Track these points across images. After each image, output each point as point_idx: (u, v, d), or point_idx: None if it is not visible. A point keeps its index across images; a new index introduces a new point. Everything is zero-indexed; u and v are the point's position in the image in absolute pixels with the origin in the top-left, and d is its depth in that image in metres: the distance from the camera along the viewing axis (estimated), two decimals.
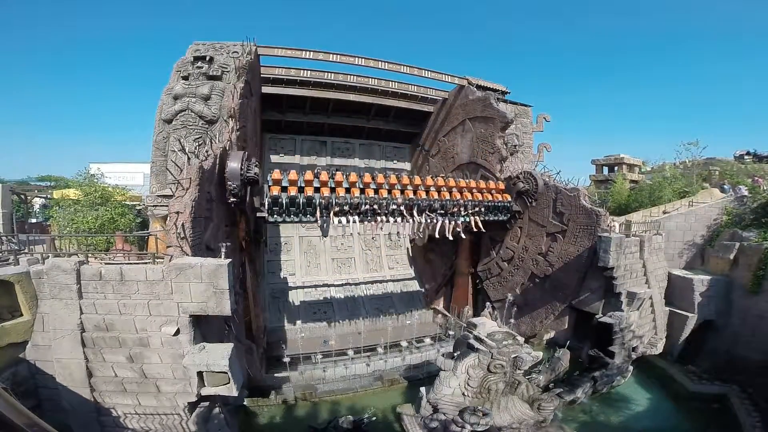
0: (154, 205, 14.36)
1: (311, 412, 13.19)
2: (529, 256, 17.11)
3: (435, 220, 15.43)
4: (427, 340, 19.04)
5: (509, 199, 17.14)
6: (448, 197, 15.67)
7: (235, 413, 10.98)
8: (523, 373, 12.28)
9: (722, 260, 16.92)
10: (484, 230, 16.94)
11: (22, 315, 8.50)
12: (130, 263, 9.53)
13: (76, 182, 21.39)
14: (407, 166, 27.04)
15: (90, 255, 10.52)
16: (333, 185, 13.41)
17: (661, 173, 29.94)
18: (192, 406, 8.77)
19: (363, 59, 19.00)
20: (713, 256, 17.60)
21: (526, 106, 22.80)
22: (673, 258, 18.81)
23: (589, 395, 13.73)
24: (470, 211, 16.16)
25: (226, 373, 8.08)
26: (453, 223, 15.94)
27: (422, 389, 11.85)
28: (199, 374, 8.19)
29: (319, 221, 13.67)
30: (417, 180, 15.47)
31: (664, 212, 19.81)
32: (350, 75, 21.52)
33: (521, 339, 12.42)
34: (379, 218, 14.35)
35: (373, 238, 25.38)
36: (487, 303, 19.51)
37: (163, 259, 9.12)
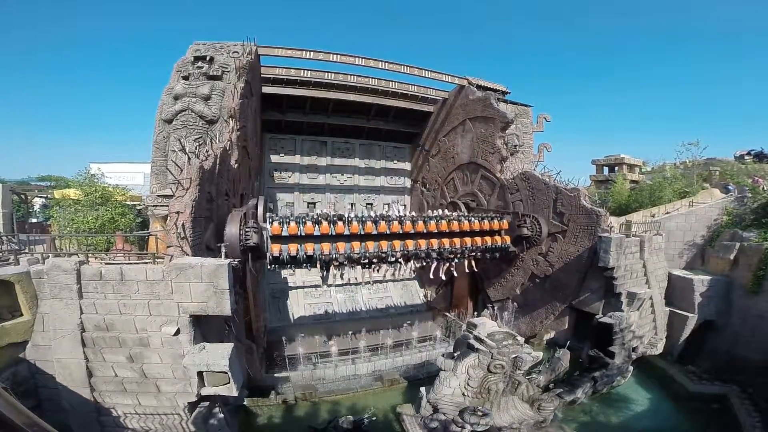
0: (154, 205, 14.36)
1: (311, 412, 13.18)
2: (529, 256, 17.11)
3: (431, 263, 15.45)
4: (427, 341, 19.04)
5: (508, 242, 16.81)
6: (447, 245, 15.23)
7: (235, 413, 10.98)
8: (523, 374, 12.26)
9: (722, 260, 16.91)
10: (476, 270, 17.23)
11: (22, 315, 8.50)
12: (131, 263, 9.55)
13: (77, 182, 21.39)
14: (407, 166, 27.05)
15: (90, 255, 10.53)
16: (334, 232, 13.12)
17: (661, 173, 29.92)
18: (192, 406, 8.77)
19: (363, 59, 19.00)
20: (713, 257, 17.59)
21: (526, 106, 22.80)
22: (674, 258, 18.80)
23: (589, 395, 13.72)
24: (466, 255, 16.10)
25: (226, 373, 8.08)
26: (448, 264, 16.01)
27: (422, 389, 11.85)
28: (199, 374, 8.19)
29: (320, 274, 13.89)
30: (420, 226, 14.63)
31: (665, 213, 19.82)
32: (350, 75, 21.52)
33: (521, 339, 12.42)
34: (377, 266, 14.61)
35: None
36: (488, 304, 19.55)
37: (163, 259, 9.13)
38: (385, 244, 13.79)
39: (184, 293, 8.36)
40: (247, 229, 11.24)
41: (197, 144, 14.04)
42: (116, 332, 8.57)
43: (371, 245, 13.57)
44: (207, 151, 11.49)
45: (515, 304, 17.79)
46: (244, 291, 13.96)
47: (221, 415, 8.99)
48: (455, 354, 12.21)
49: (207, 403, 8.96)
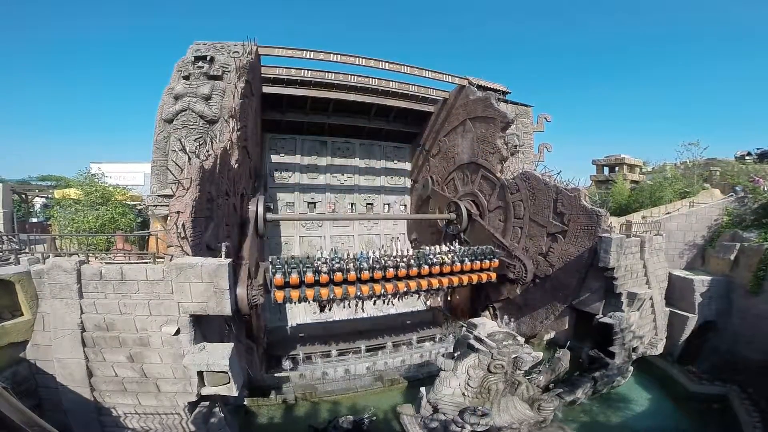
0: (154, 205, 14.38)
1: (311, 411, 13.18)
2: (529, 256, 17.10)
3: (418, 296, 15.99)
4: (427, 341, 19.04)
5: (494, 278, 17.18)
6: (436, 284, 15.44)
7: (235, 413, 10.99)
8: (524, 374, 12.27)
9: (723, 261, 16.90)
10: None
11: (22, 314, 8.51)
12: (131, 263, 9.55)
13: (77, 182, 21.41)
14: (407, 166, 27.05)
15: (90, 255, 10.54)
16: (333, 278, 13.51)
17: (661, 174, 29.93)
18: (192, 406, 8.77)
19: (363, 59, 18.99)
20: (714, 257, 17.59)
21: (526, 106, 22.79)
22: (674, 258, 18.80)
23: (589, 395, 13.72)
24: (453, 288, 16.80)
25: (226, 372, 8.09)
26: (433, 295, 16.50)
27: (422, 389, 11.85)
28: (199, 374, 8.20)
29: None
30: (413, 271, 14.83)
31: (666, 213, 19.82)
32: (351, 75, 21.50)
33: (521, 339, 12.42)
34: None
35: (373, 239, 25.45)
36: (488, 304, 19.54)
37: (163, 258, 9.14)
38: (379, 288, 14.15)
39: (184, 293, 8.37)
40: (253, 293, 11.87)
41: (197, 144, 14.05)
42: (116, 332, 8.58)
43: (366, 289, 13.99)
44: (207, 151, 11.49)
45: (515, 304, 17.79)
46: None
47: (221, 415, 8.99)
48: (455, 354, 12.21)
49: (207, 403, 8.97)
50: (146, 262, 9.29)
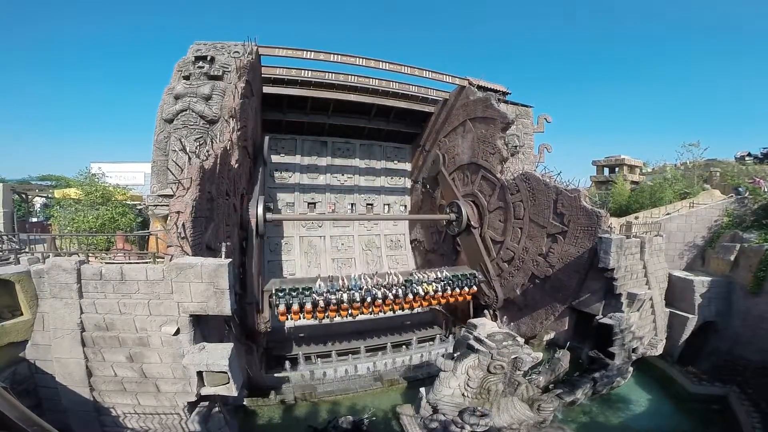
0: (154, 205, 14.39)
1: (311, 412, 13.18)
2: (529, 256, 17.11)
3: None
4: (427, 341, 19.03)
5: (469, 299, 18.87)
6: (418, 304, 17.08)
7: (234, 413, 10.98)
8: (523, 374, 12.27)
9: (723, 261, 16.90)
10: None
11: (22, 314, 8.50)
12: (131, 263, 9.54)
13: (77, 182, 21.44)
14: (407, 166, 27.06)
15: (90, 254, 10.54)
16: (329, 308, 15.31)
17: (661, 174, 29.94)
18: (192, 406, 8.76)
19: (363, 59, 19.01)
20: (714, 258, 17.58)
21: (526, 106, 22.79)
22: (674, 259, 18.80)
23: (589, 396, 13.71)
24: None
25: (226, 372, 8.08)
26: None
27: (422, 390, 11.85)
28: (199, 374, 8.19)
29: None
30: (399, 301, 16.27)
31: (666, 214, 19.82)
32: (351, 75, 21.52)
33: (521, 340, 12.42)
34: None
35: (373, 239, 25.46)
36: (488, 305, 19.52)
37: (163, 258, 9.13)
38: (368, 311, 15.90)
39: (184, 293, 8.36)
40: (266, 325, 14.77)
41: (198, 144, 14.07)
42: (116, 332, 8.57)
43: (357, 313, 15.81)
44: (207, 151, 11.49)
45: (515, 304, 17.80)
46: (244, 291, 14.07)
47: (221, 415, 8.99)
48: (455, 354, 12.21)
49: (207, 403, 8.96)
50: (146, 262, 9.28)
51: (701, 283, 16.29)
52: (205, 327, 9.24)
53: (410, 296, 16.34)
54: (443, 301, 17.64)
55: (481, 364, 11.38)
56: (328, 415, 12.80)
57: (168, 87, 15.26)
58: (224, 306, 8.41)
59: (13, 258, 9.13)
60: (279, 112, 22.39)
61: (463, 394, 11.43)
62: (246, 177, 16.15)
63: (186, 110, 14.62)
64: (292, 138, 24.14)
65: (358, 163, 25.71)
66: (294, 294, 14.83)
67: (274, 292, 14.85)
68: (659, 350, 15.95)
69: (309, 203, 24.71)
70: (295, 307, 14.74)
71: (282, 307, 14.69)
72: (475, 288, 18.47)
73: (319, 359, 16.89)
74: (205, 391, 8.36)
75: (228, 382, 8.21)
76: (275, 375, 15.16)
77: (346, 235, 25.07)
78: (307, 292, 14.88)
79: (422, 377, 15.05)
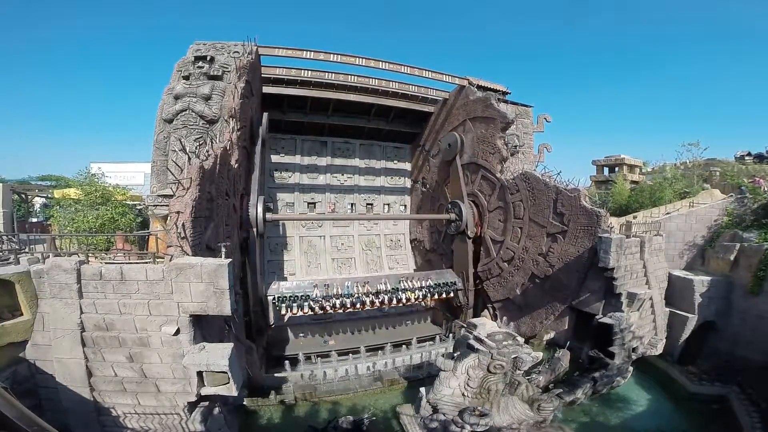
0: (154, 205, 14.39)
1: (311, 412, 13.17)
2: (529, 256, 17.11)
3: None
4: (427, 341, 19.03)
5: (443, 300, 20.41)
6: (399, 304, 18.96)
7: (234, 413, 10.98)
8: (523, 374, 12.26)
9: (723, 261, 16.90)
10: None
11: (22, 314, 8.51)
12: (131, 263, 9.55)
13: (77, 182, 21.43)
14: (407, 166, 27.05)
15: (90, 254, 10.56)
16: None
17: (661, 174, 29.93)
18: (192, 406, 8.77)
19: (363, 59, 19.00)
20: (714, 257, 17.58)
21: (526, 106, 22.78)
22: (674, 259, 18.79)
23: (589, 396, 13.70)
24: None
25: (226, 372, 8.08)
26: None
27: (422, 389, 11.83)
28: (199, 374, 8.19)
29: None
30: (386, 302, 18.27)
31: (666, 213, 19.82)
32: (351, 75, 21.51)
33: (521, 339, 12.41)
34: None
35: (373, 239, 25.46)
36: (488, 304, 19.54)
37: (163, 258, 9.14)
38: (355, 309, 17.82)
39: (184, 293, 8.36)
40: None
41: (197, 144, 14.07)
42: (116, 332, 8.57)
43: (347, 310, 17.73)
44: (207, 151, 11.49)
45: (515, 304, 17.79)
46: (244, 291, 14.08)
47: (221, 415, 8.99)
48: (455, 354, 12.21)
49: (207, 403, 8.96)
50: (146, 262, 9.29)
51: (701, 282, 16.29)
52: (205, 327, 9.24)
53: (394, 302, 18.35)
54: (421, 302, 19.77)
55: (481, 363, 11.38)
56: (328, 415, 12.79)
57: (168, 87, 15.26)
58: (224, 306, 8.40)
59: (12, 258, 9.13)
60: (279, 111, 22.37)
61: (463, 394, 11.43)
62: (246, 177, 16.13)
63: (186, 110, 14.62)
64: (292, 138, 24.13)
65: (357, 162, 25.69)
66: (293, 300, 16.66)
67: (276, 298, 16.46)
68: (659, 350, 15.95)
69: (309, 203, 24.71)
70: (294, 310, 16.66)
71: (284, 311, 16.65)
72: (452, 294, 19.86)
73: (319, 359, 16.89)
74: (205, 391, 8.36)
75: (228, 382, 8.21)
76: (275, 375, 15.15)
77: (345, 235, 25.06)
78: (304, 299, 16.68)
79: (422, 377, 15.03)
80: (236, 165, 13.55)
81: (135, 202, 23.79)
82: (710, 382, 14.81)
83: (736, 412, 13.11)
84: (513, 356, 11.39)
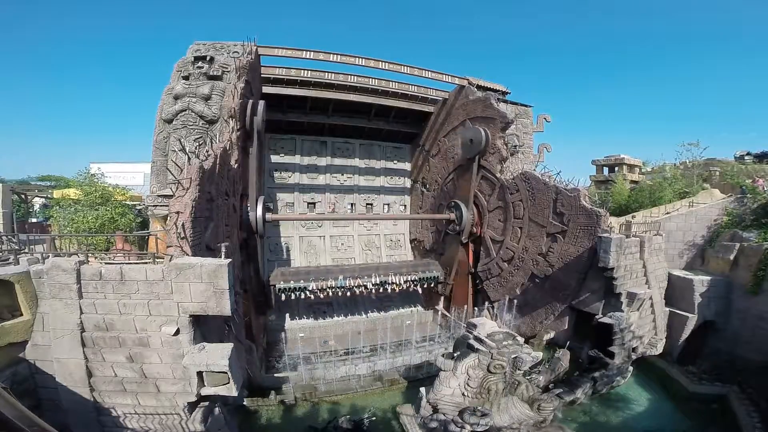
0: (154, 205, 14.37)
1: (311, 412, 13.18)
2: (529, 256, 17.11)
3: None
4: (427, 341, 19.01)
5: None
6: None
7: (234, 413, 10.98)
8: (523, 374, 12.27)
9: (722, 261, 16.91)
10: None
11: (22, 314, 8.49)
12: (130, 263, 9.54)
13: (77, 182, 21.43)
14: (407, 166, 27.04)
15: (90, 255, 10.55)
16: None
17: (661, 174, 29.93)
18: (192, 406, 8.76)
19: (363, 59, 19.00)
20: (713, 257, 17.59)
21: (526, 106, 22.79)
22: (674, 258, 18.80)
23: (589, 396, 13.72)
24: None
25: (226, 373, 8.08)
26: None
27: (422, 389, 11.84)
28: (199, 374, 8.19)
29: None
30: (369, 293, 20.48)
31: (666, 213, 19.83)
32: (350, 75, 21.52)
33: (521, 339, 12.42)
34: None
35: (373, 239, 25.44)
36: (486, 303, 19.52)
37: (163, 259, 9.13)
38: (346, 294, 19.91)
39: (184, 293, 8.35)
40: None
41: (197, 144, 14.05)
42: (116, 332, 8.57)
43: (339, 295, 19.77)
44: (207, 151, 11.49)
45: (515, 303, 17.79)
46: (244, 291, 14.07)
47: (221, 415, 8.99)
48: (455, 354, 12.21)
49: (207, 403, 8.96)
50: (146, 263, 9.27)
51: (701, 282, 16.30)
52: (205, 327, 9.24)
53: (381, 291, 20.29)
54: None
55: (481, 363, 11.38)
56: (328, 415, 12.80)
57: (167, 87, 15.23)
58: (224, 306, 8.40)
59: (12, 258, 9.11)
60: (279, 111, 22.36)
61: (463, 394, 11.44)
62: (246, 177, 16.11)
63: (185, 110, 14.60)
64: (292, 138, 24.12)
65: (357, 162, 25.69)
66: (295, 289, 18.57)
67: (280, 287, 18.38)
68: (659, 349, 15.97)
69: (309, 203, 24.70)
70: (294, 297, 18.70)
71: (284, 296, 18.69)
72: (432, 285, 21.80)
73: (319, 359, 16.87)
74: (205, 391, 8.36)
75: (228, 382, 8.21)
76: (275, 375, 15.14)
77: (345, 235, 25.06)
78: (304, 287, 18.63)
79: (422, 377, 15.05)
80: (236, 165, 13.55)
81: (135, 203, 23.78)
82: (710, 382, 14.82)
83: (735, 411, 13.11)
84: (513, 356, 11.41)
